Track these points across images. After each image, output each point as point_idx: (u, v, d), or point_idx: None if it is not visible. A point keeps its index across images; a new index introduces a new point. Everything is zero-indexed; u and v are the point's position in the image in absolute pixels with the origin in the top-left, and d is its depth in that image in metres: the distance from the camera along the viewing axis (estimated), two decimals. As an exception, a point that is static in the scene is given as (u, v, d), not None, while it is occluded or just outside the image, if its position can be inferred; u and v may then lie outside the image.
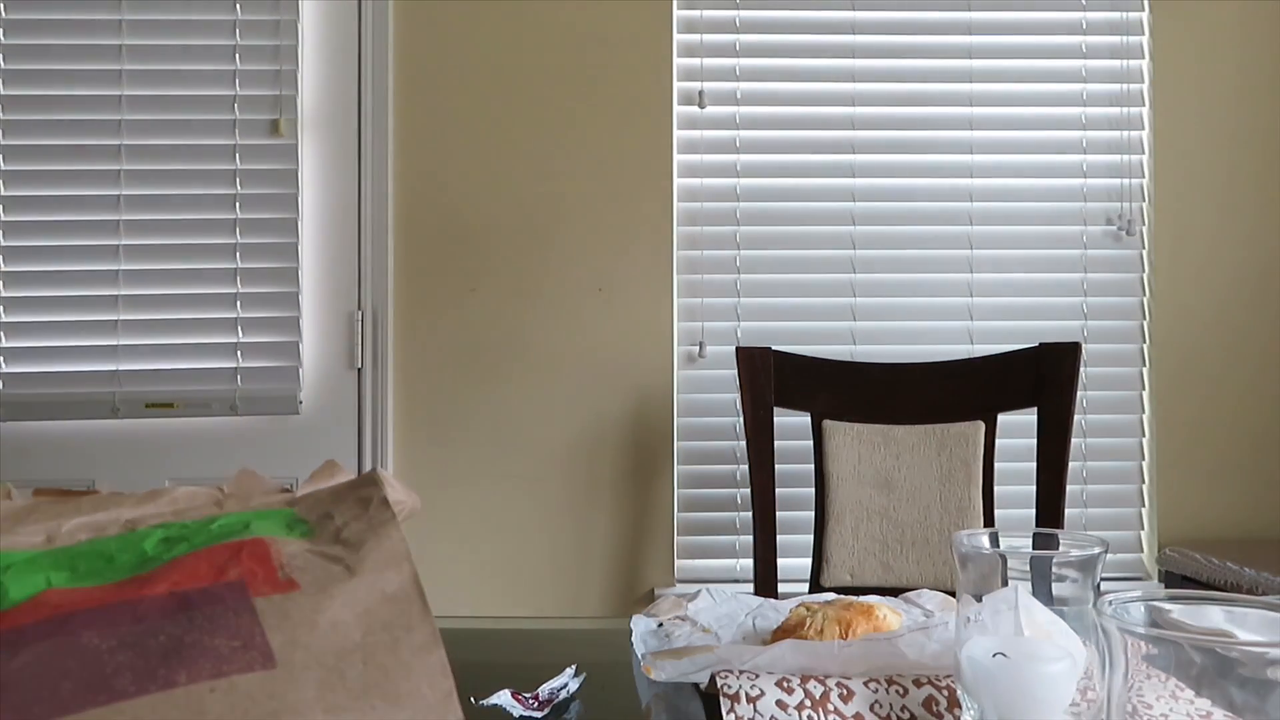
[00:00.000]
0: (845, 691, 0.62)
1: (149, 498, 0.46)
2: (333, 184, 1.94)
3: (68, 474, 1.86)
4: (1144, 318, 1.98)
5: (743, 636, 0.78)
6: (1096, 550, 0.55)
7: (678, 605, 0.84)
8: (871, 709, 0.61)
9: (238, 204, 1.90)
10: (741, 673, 0.65)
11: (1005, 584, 0.55)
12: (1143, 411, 1.98)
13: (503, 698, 0.64)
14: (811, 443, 1.65)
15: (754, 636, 0.78)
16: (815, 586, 1.62)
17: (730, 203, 1.96)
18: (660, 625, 0.81)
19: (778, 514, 1.65)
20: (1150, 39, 1.99)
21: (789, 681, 0.63)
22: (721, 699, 0.61)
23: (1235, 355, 1.97)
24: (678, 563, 1.93)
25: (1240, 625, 0.47)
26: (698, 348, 1.93)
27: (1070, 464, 1.58)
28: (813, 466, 1.65)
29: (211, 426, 1.90)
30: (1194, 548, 1.83)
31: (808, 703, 0.61)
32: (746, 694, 0.62)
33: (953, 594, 0.81)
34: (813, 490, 1.65)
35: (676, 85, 1.96)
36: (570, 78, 1.96)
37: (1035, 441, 1.59)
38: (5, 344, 1.88)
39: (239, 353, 1.90)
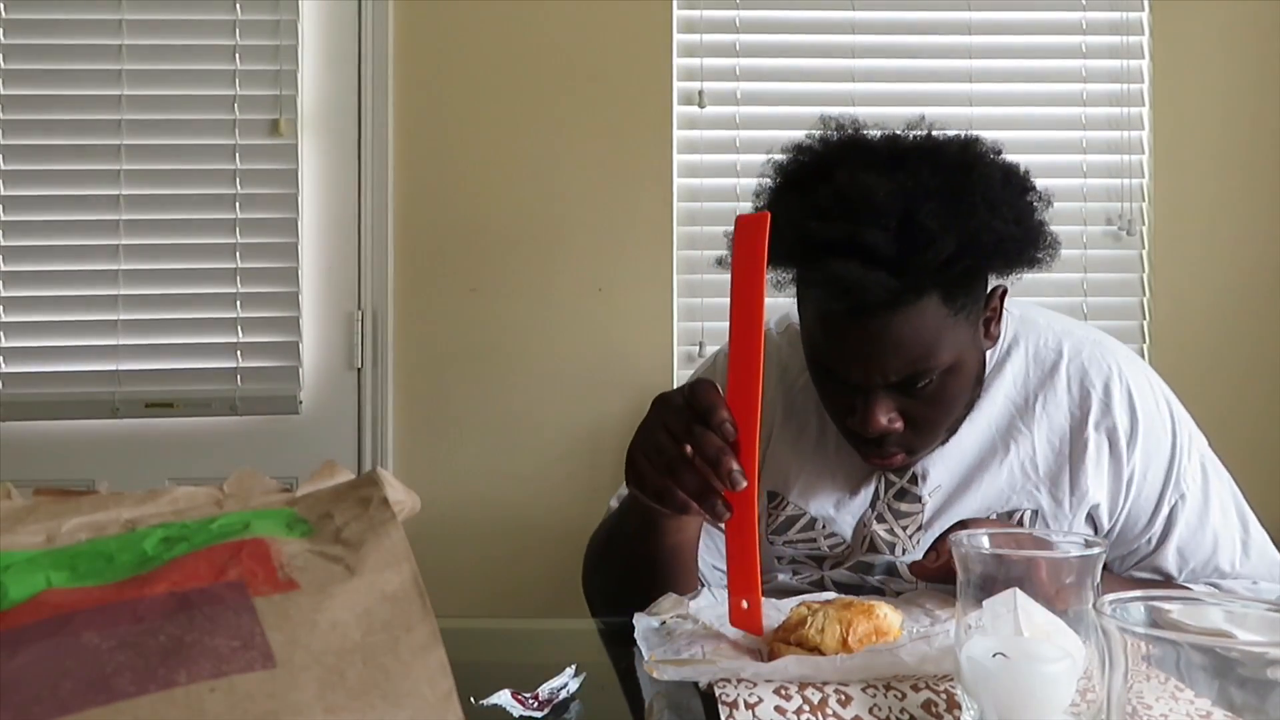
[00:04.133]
0: (843, 697, 0.62)
1: (149, 498, 0.46)
2: (333, 184, 1.94)
3: (68, 474, 1.86)
4: (1144, 318, 1.97)
5: (744, 635, 0.77)
6: (1096, 550, 0.55)
7: (679, 604, 0.84)
8: (870, 712, 0.61)
9: (238, 204, 1.90)
10: (740, 680, 0.65)
11: (1005, 585, 0.55)
12: (1143, 411, 1.97)
13: (503, 698, 0.63)
14: (811, 443, 1.65)
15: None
16: (815, 586, 1.61)
17: (730, 203, 1.95)
18: (663, 624, 0.81)
19: (778, 514, 1.65)
20: (1150, 39, 1.98)
21: (787, 689, 0.63)
22: (720, 707, 0.61)
23: (1235, 355, 1.96)
24: (678, 563, 1.92)
25: (1240, 625, 0.48)
26: (697, 348, 1.93)
27: (1070, 464, 1.58)
28: (813, 466, 1.65)
29: (211, 426, 1.90)
30: (1194, 548, 1.82)
31: (806, 708, 0.61)
32: (745, 701, 0.62)
33: (953, 593, 0.81)
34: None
35: (676, 85, 1.96)
36: (570, 78, 1.95)
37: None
38: (5, 344, 1.88)
39: (239, 353, 1.90)
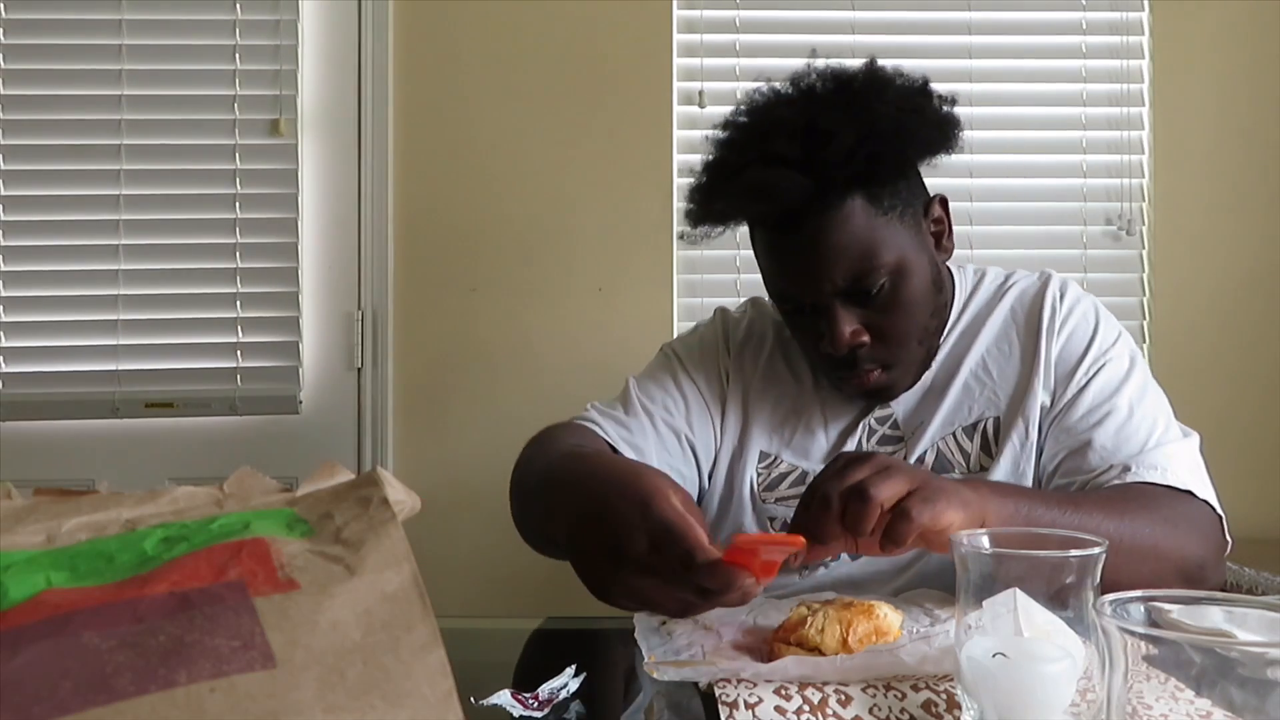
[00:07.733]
0: (843, 697, 0.62)
1: (149, 498, 0.46)
2: (333, 184, 1.94)
3: (68, 474, 1.86)
4: (1144, 318, 1.97)
5: (744, 634, 0.78)
6: (1096, 550, 0.55)
7: (678, 605, 0.84)
8: (870, 712, 0.61)
9: (238, 204, 1.90)
10: (740, 680, 0.65)
11: (1005, 585, 0.55)
12: (1143, 411, 1.97)
13: (503, 698, 0.63)
14: (811, 443, 1.65)
15: (755, 634, 0.78)
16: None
17: (730, 203, 1.95)
18: (663, 624, 0.81)
19: (778, 514, 1.65)
20: (1150, 39, 1.98)
21: (787, 689, 0.63)
22: (720, 707, 0.61)
23: (1235, 355, 1.96)
24: (678, 563, 1.92)
25: (1240, 625, 0.48)
26: (698, 348, 1.93)
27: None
28: (813, 466, 1.65)
29: (211, 426, 1.90)
30: (1194, 548, 1.82)
31: (806, 708, 0.61)
32: (745, 701, 0.62)
33: (953, 593, 0.81)
34: (813, 490, 1.65)
35: (676, 85, 1.96)
36: (570, 78, 1.95)
37: (1035, 441, 1.58)
38: (5, 344, 1.88)
39: (239, 353, 1.90)
